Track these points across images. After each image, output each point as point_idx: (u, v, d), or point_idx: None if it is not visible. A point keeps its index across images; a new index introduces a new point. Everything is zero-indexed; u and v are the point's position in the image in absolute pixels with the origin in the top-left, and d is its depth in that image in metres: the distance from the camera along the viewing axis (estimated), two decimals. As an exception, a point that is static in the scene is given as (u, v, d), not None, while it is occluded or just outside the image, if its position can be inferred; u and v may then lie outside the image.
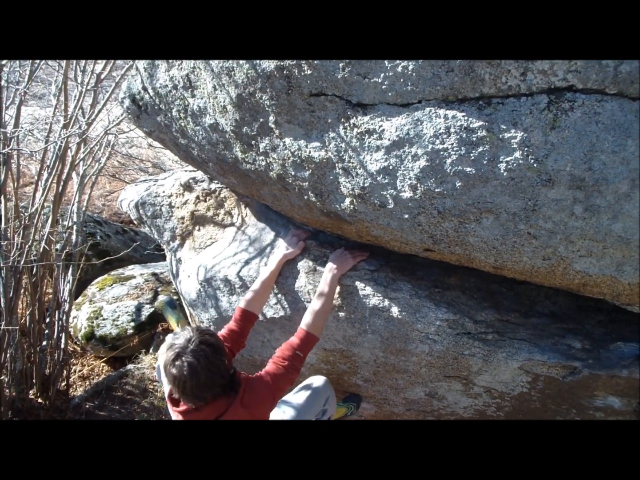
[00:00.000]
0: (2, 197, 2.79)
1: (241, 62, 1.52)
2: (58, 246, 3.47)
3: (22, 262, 2.70)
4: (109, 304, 3.82)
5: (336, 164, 1.54)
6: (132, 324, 3.68)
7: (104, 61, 3.00)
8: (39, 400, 3.20)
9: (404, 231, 1.59)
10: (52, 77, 3.39)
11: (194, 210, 2.61)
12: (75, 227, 3.28)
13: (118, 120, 3.10)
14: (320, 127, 1.52)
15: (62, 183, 2.98)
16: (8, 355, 2.88)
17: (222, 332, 1.90)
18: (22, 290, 3.09)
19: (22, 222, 2.76)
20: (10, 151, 2.66)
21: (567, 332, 1.79)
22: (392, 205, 1.50)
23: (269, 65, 1.46)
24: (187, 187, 2.67)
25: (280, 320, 2.17)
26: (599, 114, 1.14)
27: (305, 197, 1.73)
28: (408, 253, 1.79)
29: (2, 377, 2.81)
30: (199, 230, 2.62)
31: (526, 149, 1.22)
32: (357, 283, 1.93)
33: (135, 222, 2.97)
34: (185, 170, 2.86)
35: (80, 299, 3.97)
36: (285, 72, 1.45)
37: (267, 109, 1.58)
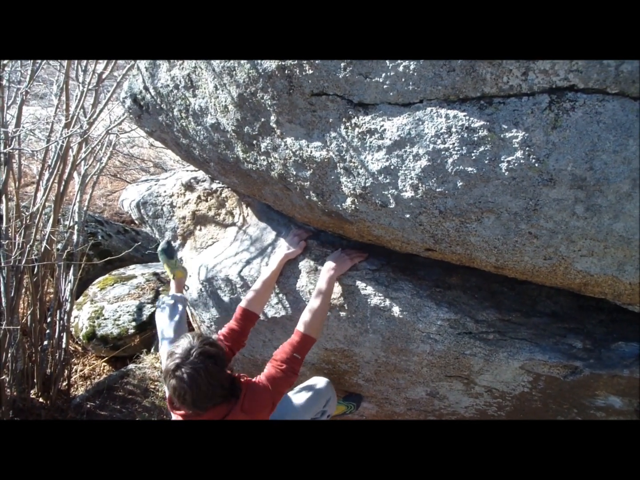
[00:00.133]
0: (4, 196, 2.80)
1: (242, 62, 1.52)
2: (59, 246, 3.47)
3: (23, 262, 2.70)
4: (110, 303, 3.82)
5: (337, 164, 1.54)
6: (134, 323, 3.68)
7: (106, 61, 3.00)
8: (40, 399, 3.20)
9: (405, 231, 1.59)
10: (54, 77, 3.39)
11: (195, 210, 2.61)
12: (76, 227, 3.28)
13: (119, 120, 3.11)
14: (321, 127, 1.52)
15: (63, 183, 2.98)
16: (9, 354, 2.89)
17: (222, 331, 1.91)
18: (24, 290, 3.10)
19: (24, 222, 2.76)
20: (11, 151, 2.67)
21: (569, 332, 1.79)
22: (393, 205, 1.50)
23: (270, 65, 1.47)
24: (189, 186, 2.67)
25: (281, 320, 2.17)
26: (600, 114, 1.14)
27: (307, 196, 1.74)
28: (409, 253, 1.79)
29: (3, 377, 2.81)
30: (200, 230, 2.62)
31: (527, 148, 1.22)
32: (359, 283, 1.93)
33: (136, 221, 2.98)
34: (187, 170, 2.86)
35: (81, 299, 3.97)
36: (286, 71, 1.45)
37: (268, 108, 1.58)
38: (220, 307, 2.36)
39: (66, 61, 2.69)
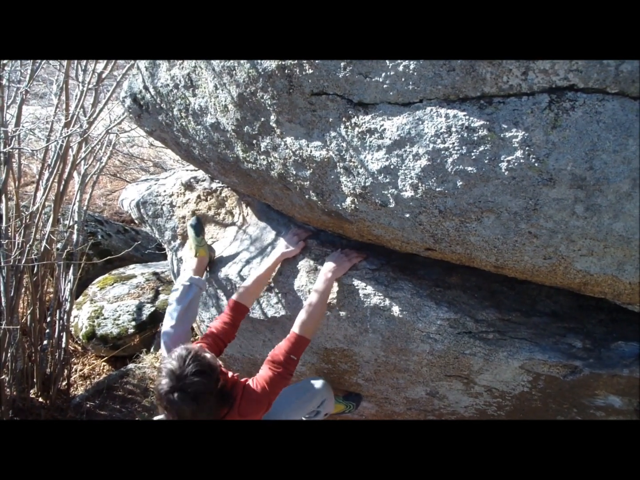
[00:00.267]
0: (3, 196, 2.80)
1: (242, 61, 1.52)
2: (59, 245, 3.47)
3: (23, 262, 2.71)
4: (110, 303, 3.82)
5: (337, 163, 1.54)
6: (133, 323, 3.68)
7: (105, 61, 3.00)
8: (40, 399, 3.21)
9: (405, 230, 1.59)
10: (54, 76, 3.39)
11: (195, 209, 2.61)
12: (76, 227, 3.28)
13: (119, 120, 3.11)
14: (321, 127, 1.52)
15: (63, 182, 2.99)
16: (9, 354, 2.89)
17: (215, 324, 1.93)
18: (23, 290, 3.10)
19: (23, 222, 2.76)
20: (11, 150, 2.67)
21: (568, 331, 1.79)
22: (393, 205, 1.50)
23: (270, 64, 1.46)
24: (188, 186, 2.67)
25: (281, 320, 2.17)
26: (600, 114, 1.14)
27: (307, 196, 1.74)
28: (409, 252, 1.79)
29: (3, 377, 2.81)
30: (200, 229, 2.61)
31: (527, 148, 1.22)
32: (358, 282, 1.93)
33: (136, 221, 2.98)
34: (187, 170, 2.86)
35: (81, 298, 3.97)
36: (286, 71, 1.45)
37: (268, 108, 1.58)
38: (219, 307, 2.36)
39: (66, 61, 2.69)
